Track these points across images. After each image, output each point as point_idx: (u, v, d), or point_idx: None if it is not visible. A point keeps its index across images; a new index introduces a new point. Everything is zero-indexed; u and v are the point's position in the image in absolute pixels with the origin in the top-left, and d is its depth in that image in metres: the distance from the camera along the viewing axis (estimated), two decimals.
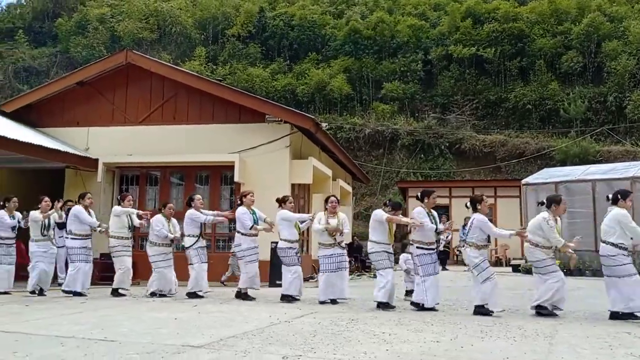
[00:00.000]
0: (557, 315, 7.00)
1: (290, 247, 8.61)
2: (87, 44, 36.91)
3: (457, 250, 19.25)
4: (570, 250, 7.25)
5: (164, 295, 9.07)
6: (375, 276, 8.29)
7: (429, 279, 7.48)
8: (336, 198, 8.85)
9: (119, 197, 10.05)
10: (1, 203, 9.64)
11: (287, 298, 8.45)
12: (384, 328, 5.88)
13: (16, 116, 13.21)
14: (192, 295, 8.89)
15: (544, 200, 7.58)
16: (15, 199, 9.67)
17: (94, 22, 38.37)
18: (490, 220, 7.64)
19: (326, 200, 8.70)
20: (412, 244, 7.77)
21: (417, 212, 7.74)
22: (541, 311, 7.06)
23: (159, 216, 9.33)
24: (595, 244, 14.46)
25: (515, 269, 16.50)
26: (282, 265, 8.68)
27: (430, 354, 4.60)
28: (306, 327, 5.85)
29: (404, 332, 5.63)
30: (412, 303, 7.62)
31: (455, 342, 5.12)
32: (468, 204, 7.74)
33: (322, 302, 8.17)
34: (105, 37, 37.68)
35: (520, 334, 5.62)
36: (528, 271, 15.44)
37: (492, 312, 7.10)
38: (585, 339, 5.44)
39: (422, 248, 7.62)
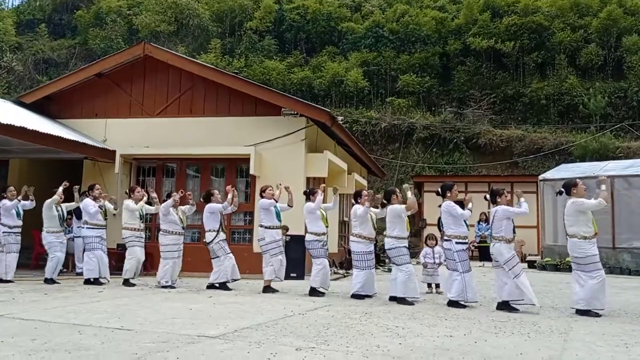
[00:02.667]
0: (600, 315, 6.76)
1: (317, 240, 8.57)
2: (105, 36, 37.14)
3: (473, 246, 19.15)
4: (603, 187, 7.26)
5: (173, 287, 9.17)
6: (390, 270, 8.27)
7: (467, 274, 7.38)
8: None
9: (127, 191, 10.24)
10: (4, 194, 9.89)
11: (314, 292, 8.40)
12: (397, 322, 5.88)
13: (36, 107, 13.38)
14: (223, 286, 9.03)
15: (562, 189, 7.49)
16: (11, 188, 9.94)
17: (112, 14, 38.61)
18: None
19: (359, 195, 8.52)
20: (448, 240, 7.58)
21: (450, 206, 7.66)
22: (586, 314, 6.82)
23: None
24: (613, 240, 14.42)
25: (531, 265, 16.39)
26: (312, 258, 8.70)
27: (443, 348, 4.60)
28: (320, 320, 5.88)
29: (418, 327, 5.63)
30: (450, 302, 7.37)
31: (468, 337, 5.11)
32: (488, 196, 7.70)
33: (356, 296, 8.08)
34: (123, 29, 37.90)
35: (535, 330, 5.59)
36: (544, 267, 15.35)
37: (517, 309, 7.04)
38: (601, 336, 5.40)
39: (461, 243, 7.53)
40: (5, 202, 9.71)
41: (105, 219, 9.91)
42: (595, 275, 6.86)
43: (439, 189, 7.95)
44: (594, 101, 27.79)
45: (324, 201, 9.28)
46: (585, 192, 7.31)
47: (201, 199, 9.74)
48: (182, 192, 9.70)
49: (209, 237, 9.16)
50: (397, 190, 8.32)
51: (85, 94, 13.59)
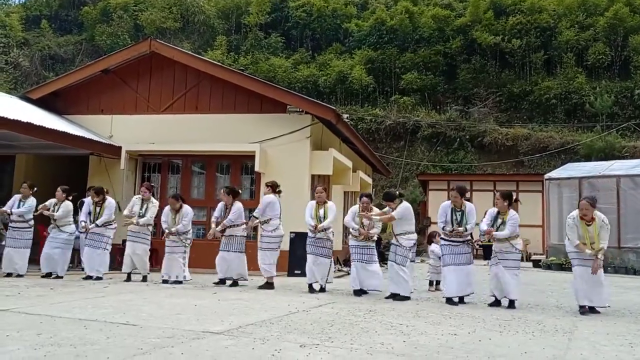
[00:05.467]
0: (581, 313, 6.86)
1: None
2: (111, 32, 37.24)
3: (478, 245, 19.11)
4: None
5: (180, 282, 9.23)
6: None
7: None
8: (369, 199, 8.61)
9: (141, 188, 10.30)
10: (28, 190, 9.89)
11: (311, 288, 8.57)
12: (401, 320, 5.88)
13: (42, 103, 13.42)
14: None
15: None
16: (24, 185, 9.97)
17: (118, 10, 38.69)
18: None
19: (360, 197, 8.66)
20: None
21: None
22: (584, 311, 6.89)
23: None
24: (619, 240, 14.37)
25: (536, 264, 16.36)
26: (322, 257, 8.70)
27: (447, 346, 4.60)
28: (324, 317, 5.89)
29: (422, 325, 5.63)
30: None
31: (473, 336, 5.11)
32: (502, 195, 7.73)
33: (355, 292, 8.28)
34: (129, 25, 38.00)
35: (539, 329, 5.58)
36: (549, 267, 15.32)
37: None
38: (605, 335, 5.39)
39: None
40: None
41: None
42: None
43: (459, 188, 7.89)
44: (601, 100, 27.68)
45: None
46: None
47: (225, 193, 9.37)
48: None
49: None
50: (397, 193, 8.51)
51: (91, 90, 13.63)
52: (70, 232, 9.76)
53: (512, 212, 7.52)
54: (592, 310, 6.88)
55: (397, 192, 8.53)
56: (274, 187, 9.03)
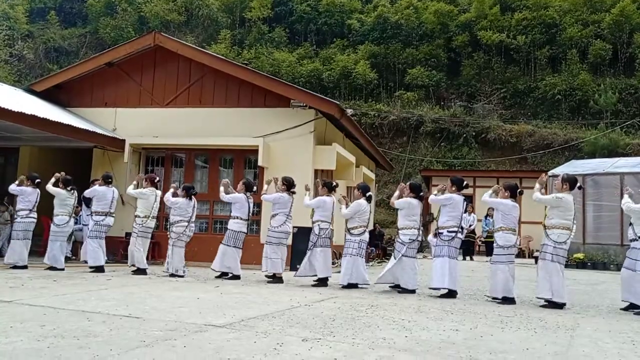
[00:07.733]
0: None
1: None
2: (115, 25, 37.18)
3: (480, 241, 19.11)
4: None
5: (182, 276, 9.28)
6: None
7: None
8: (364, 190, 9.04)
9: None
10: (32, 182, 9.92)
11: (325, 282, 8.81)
12: (403, 315, 5.89)
13: (46, 95, 13.43)
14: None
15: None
16: (22, 177, 10.01)
17: (123, 3, 38.62)
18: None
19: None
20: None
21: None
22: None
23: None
24: (622, 237, 14.33)
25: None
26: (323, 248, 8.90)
27: (449, 342, 4.60)
28: (326, 312, 5.90)
29: (424, 320, 5.64)
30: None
31: (474, 332, 5.12)
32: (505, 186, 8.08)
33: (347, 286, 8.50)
34: (133, 18, 37.92)
35: (541, 326, 5.59)
36: None
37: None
38: (608, 332, 5.39)
39: None
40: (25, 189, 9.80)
41: None
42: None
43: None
44: (605, 97, 27.56)
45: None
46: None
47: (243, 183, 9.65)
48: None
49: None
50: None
51: (95, 83, 13.64)
52: (56, 223, 9.72)
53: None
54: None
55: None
56: (288, 186, 9.14)
